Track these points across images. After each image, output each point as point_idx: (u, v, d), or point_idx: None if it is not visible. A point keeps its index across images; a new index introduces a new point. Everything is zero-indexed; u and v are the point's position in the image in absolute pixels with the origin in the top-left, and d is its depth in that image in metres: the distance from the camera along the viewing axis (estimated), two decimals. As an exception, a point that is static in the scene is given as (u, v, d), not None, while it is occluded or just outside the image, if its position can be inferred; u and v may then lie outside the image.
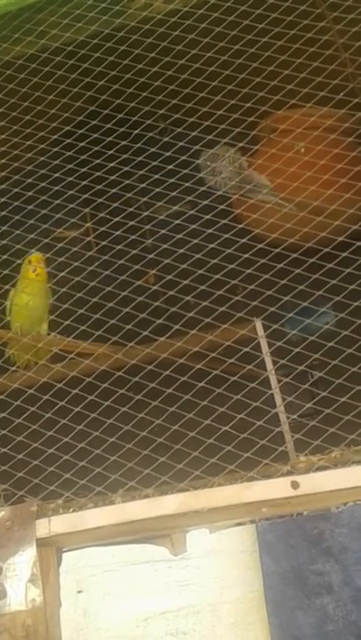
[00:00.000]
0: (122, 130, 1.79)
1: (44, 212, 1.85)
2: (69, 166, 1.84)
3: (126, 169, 1.79)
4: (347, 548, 3.00)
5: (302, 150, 1.88)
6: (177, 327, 1.68)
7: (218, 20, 1.72)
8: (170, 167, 1.75)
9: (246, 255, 1.67)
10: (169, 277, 1.79)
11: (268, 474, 1.38)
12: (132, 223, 1.83)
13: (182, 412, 1.59)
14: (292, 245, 1.76)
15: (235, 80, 1.70)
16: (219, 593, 3.22)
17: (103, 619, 3.30)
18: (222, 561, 3.23)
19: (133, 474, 1.52)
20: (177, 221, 1.78)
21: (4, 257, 1.86)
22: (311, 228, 1.74)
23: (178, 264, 1.75)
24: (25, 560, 1.43)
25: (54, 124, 1.87)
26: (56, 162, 1.85)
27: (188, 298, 1.68)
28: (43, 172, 1.86)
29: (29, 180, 1.86)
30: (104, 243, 1.89)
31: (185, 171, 1.77)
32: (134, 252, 1.79)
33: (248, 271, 1.66)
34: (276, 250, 1.70)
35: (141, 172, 1.82)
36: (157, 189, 1.84)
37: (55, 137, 1.92)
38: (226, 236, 1.76)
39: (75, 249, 1.93)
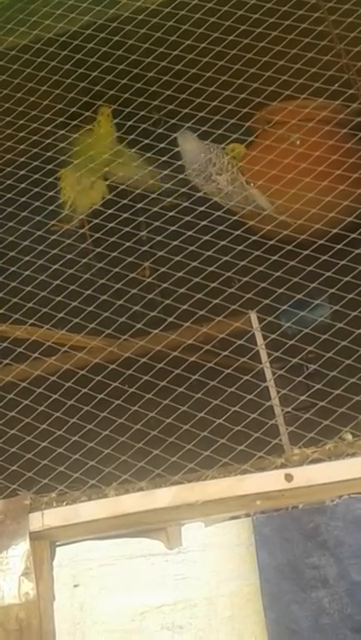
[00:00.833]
0: (116, 121, 1.78)
1: (37, 204, 1.84)
2: (63, 158, 1.83)
3: (120, 161, 1.78)
4: (342, 541, 3.00)
5: (298, 142, 1.87)
6: (171, 320, 1.67)
7: (212, 10, 1.71)
8: (164, 159, 1.74)
9: (241, 247, 1.67)
10: (163, 270, 1.78)
11: (262, 466, 1.38)
12: (125, 215, 1.82)
13: (176, 404, 1.58)
14: (287, 237, 1.75)
15: (229, 71, 1.69)
16: (215, 587, 3.22)
17: (99, 613, 3.30)
18: (218, 555, 3.23)
19: (127, 467, 1.51)
20: (171, 213, 1.77)
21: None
22: (306, 220, 1.73)
23: (172, 256, 1.74)
24: (18, 554, 1.42)
25: (48, 115, 1.86)
26: (49, 153, 1.84)
27: (183, 290, 1.68)
28: (36, 163, 1.85)
29: (23, 172, 1.85)
30: (98, 235, 1.88)
31: (179, 162, 1.76)
32: (128, 244, 1.78)
33: (242, 263, 1.65)
34: (271, 242, 1.70)
35: (136, 164, 1.81)
36: (152, 181, 1.83)
37: (49, 128, 1.91)
38: (220, 227, 1.75)
39: (69, 241, 1.92)
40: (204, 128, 1.78)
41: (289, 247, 1.62)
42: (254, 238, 1.70)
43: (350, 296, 1.55)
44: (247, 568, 3.16)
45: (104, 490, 1.45)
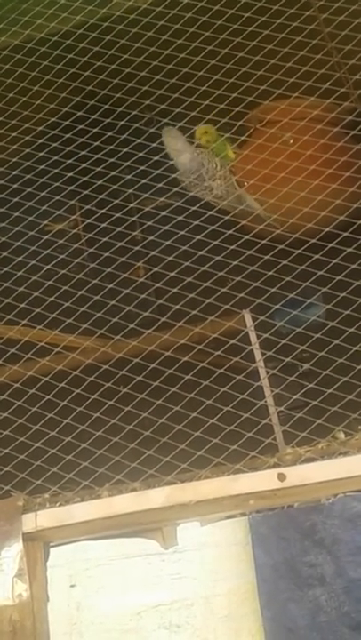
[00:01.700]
0: (108, 121, 1.78)
1: (30, 204, 1.83)
2: (56, 158, 1.82)
3: (113, 160, 1.77)
4: (339, 539, 3.00)
5: (291, 141, 1.86)
6: (165, 319, 1.67)
7: (203, 9, 1.71)
8: (156, 158, 1.74)
9: (233, 246, 1.66)
10: (157, 269, 1.77)
11: (254, 466, 1.38)
12: (119, 215, 1.82)
13: (170, 404, 1.58)
14: (280, 237, 1.75)
15: (221, 70, 1.68)
16: (212, 586, 3.22)
17: (96, 612, 3.30)
18: (215, 554, 3.23)
19: (121, 467, 1.51)
20: (164, 213, 1.76)
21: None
22: (298, 218, 1.73)
23: (166, 256, 1.74)
24: (11, 555, 1.42)
25: (40, 116, 1.85)
26: (42, 153, 1.84)
27: (176, 290, 1.67)
28: (29, 163, 1.85)
29: (15, 172, 1.85)
30: (92, 235, 1.87)
31: (172, 161, 1.76)
32: (122, 243, 1.78)
33: (235, 262, 1.65)
34: (264, 241, 1.69)
35: (128, 164, 1.81)
36: (145, 181, 1.82)
37: (41, 128, 1.90)
38: (213, 227, 1.75)
39: (62, 241, 1.92)
40: (196, 128, 1.77)
41: (282, 246, 1.62)
42: (247, 237, 1.69)
43: (343, 295, 1.55)
44: (244, 567, 3.16)
45: (97, 490, 1.45)
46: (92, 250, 1.85)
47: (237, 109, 1.70)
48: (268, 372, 1.75)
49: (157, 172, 1.76)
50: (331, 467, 1.33)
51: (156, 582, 3.26)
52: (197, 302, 1.65)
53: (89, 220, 1.85)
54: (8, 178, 1.86)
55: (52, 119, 1.89)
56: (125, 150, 1.77)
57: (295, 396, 1.56)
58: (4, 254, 1.84)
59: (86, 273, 1.83)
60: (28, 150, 1.87)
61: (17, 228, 1.86)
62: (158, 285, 1.75)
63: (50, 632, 1.49)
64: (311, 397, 1.50)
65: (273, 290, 1.60)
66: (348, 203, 1.75)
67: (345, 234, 1.63)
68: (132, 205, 1.90)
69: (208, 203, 1.83)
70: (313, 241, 1.62)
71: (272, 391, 1.68)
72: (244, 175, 1.95)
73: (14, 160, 1.88)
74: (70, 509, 1.44)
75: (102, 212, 1.80)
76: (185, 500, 1.38)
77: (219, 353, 1.59)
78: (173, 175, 1.76)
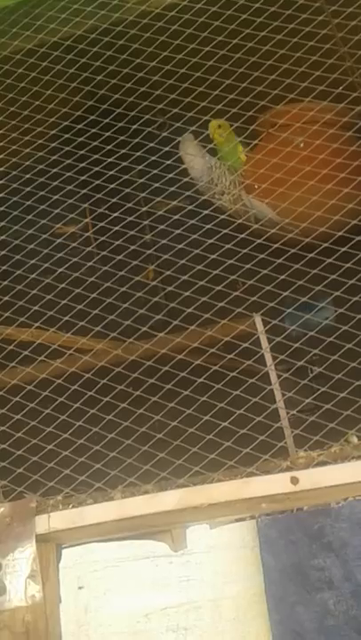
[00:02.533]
0: (120, 125, 1.79)
1: (42, 207, 1.84)
2: (68, 161, 1.83)
3: (125, 164, 1.78)
4: (347, 543, 3.00)
5: (301, 145, 1.87)
6: (176, 323, 1.68)
7: (216, 13, 1.71)
8: (168, 162, 1.75)
9: (245, 250, 1.67)
10: (168, 273, 1.78)
11: (267, 469, 1.38)
12: (130, 219, 1.83)
13: (182, 407, 1.58)
14: (292, 240, 1.75)
15: (233, 74, 1.69)
16: (219, 588, 3.22)
17: (104, 614, 3.30)
18: (223, 556, 3.24)
19: (133, 470, 1.51)
20: (176, 217, 1.77)
21: (3, 252, 1.86)
22: (311, 222, 1.73)
23: (177, 259, 1.75)
24: (25, 556, 1.43)
25: (52, 119, 1.86)
26: (54, 157, 1.85)
27: (188, 293, 1.68)
28: (41, 167, 1.86)
29: (28, 176, 1.86)
30: (103, 238, 1.88)
31: (184, 165, 1.77)
32: (133, 247, 1.79)
33: (247, 266, 1.65)
34: (276, 245, 1.70)
35: (140, 167, 1.82)
36: (156, 184, 1.83)
37: (53, 132, 1.92)
38: (225, 231, 1.75)
39: (74, 244, 1.93)
40: (208, 132, 1.78)
41: (294, 250, 1.62)
42: (259, 241, 1.70)
43: (355, 299, 1.55)
44: (252, 570, 3.16)
45: (110, 493, 1.46)
46: (104, 253, 1.86)
47: (250, 113, 1.71)
48: (279, 376, 1.76)
49: (169, 175, 1.77)
50: (344, 470, 1.33)
51: (163, 585, 3.26)
52: (209, 305, 1.66)
53: (101, 224, 1.86)
54: (21, 181, 1.87)
55: (65, 123, 1.90)
56: (137, 154, 1.78)
57: (307, 400, 1.57)
58: (17, 257, 1.85)
59: (98, 276, 1.83)
60: (40, 154, 1.88)
61: (29, 231, 1.87)
62: (170, 289, 1.76)
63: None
64: (323, 401, 1.50)
65: (285, 294, 1.61)
66: (360, 207, 1.76)
67: (357, 238, 1.64)
68: (144, 209, 1.91)
69: (219, 207, 1.83)
70: (325, 245, 1.63)
71: (283, 394, 1.69)
72: (255, 179, 1.95)
73: (27, 163, 1.88)
74: (83, 511, 1.45)
75: (114, 215, 1.81)
76: (197, 503, 1.39)
77: (231, 356, 1.60)
78: (185, 179, 1.76)
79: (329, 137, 1.79)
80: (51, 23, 1.83)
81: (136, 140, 1.78)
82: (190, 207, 1.84)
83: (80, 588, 3.31)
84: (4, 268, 1.84)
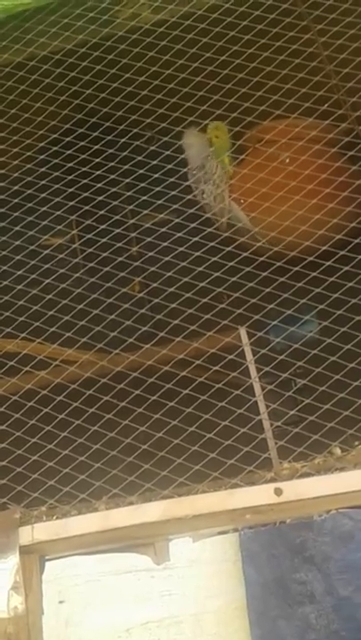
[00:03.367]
0: (109, 138, 1.80)
1: (30, 218, 1.85)
2: (56, 174, 1.84)
3: (113, 177, 1.80)
4: (329, 556, 3.01)
5: (287, 160, 1.89)
6: (162, 335, 1.68)
7: (204, 30, 1.74)
8: (156, 176, 1.76)
9: (231, 263, 1.68)
10: (154, 285, 1.79)
11: (251, 481, 1.39)
12: (118, 231, 1.84)
13: (167, 419, 1.59)
14: (277, 254, 1.77)
15: (221, 90, 1.71)
16: (201, 603, 3.21)
17: (85, 629, 3.27)
18: (205, 570, 3.23)
19: (117, 481, 1.52)
20: (163, 229, 1.79)
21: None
22: (295, 237, 1.75)
23: (163, 272, 1.76)
24: (7, 567, 1.42)
25: (41, 132, 1.88)
26: (43, 169, 1.86)
27: (174, 305, 1.69)
28: (29, 179, 1.87)
29: (15, 188, 1.87)
30: (90, 250, 1.89)
31: (171, 179, 1.78)
32: (120, 259, 1.80)
33: (233, 279, 1.67)
34: (261, 258, 1.72)
35: (128, 180, 1.83)
36: (144, 197, 1.85)
37: (42, 144, 1.93)
38: (211, 244, 1.77)
39: (61, 256, 1.93)
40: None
41: (279, 264, 1.64)
42: (245, 255, 1.72)
43: (339, 312, 1.57)
44: (234, 584, 3.16)
45: (94, 504, 1.46)
46: (91, 264, 1.86)
47: (237, 129, 1.73)
48: (263, 388, 1.77)
49: (157, 189, 1.79)
50: (327, 482, 1.35)
51: (145, 599, 3.25)
52: (194, 318, 1.67)
53: (88, 236, 1.87)
54: (8, 193, 1.87)
55: (54, 135, 1.92)
56: (125, 167, 1.80)
57: (291, 412, 1.58)
58: (4, 268, 1.86)
59: (84, 288, 1.84)
60: (28, 166, 1.89)
61: (16, 243, 1.88)
62: (156, 301, 1.77)
63: (43, 646, 1.49)
64: (307, 413, 1.51)
65: (270, 307, 1.62)
66: (344, 222, 1.78)
67: (342, 252, 1.66)
68: (131, 222, 1.93)
69: (206, 220, 1.85)
70: (310, 259, 1.65)
71: (268, 406, 1.70)
72: (242, 193, 1.98)
73: (15, 175, 1.89)
74: (67, 522, 1.45)
75: (101, 227, 1.82)
76: (182, 514, 1.39)
77: (217, 368, 1.61)
78: (172, 192, 1.78)
79: (314, 153, 1.82)
80: (41, 37, 1.84)
81: (124, 154, 1.80)
82: (177, 220, 1.86)
83: (61, 602, 3.29)
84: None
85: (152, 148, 1.86)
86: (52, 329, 1.74)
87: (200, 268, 1.71)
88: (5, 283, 1.84)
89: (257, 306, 1.65)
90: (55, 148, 1.89)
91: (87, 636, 3.26)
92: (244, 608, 3.09)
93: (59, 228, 1.97)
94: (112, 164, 1.80)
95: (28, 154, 1.86)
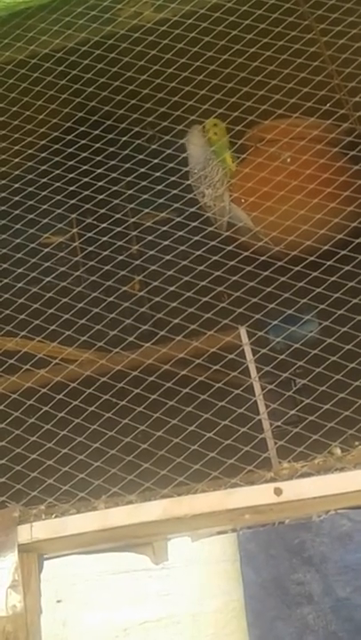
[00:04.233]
0: (110, 137, 1.80)
1: (30, 216, 1.85)
2: (57, 172, 1.84)
3: (114, 175, 1.80)
4: (327, 557, 3.01)
5: (288, 160, 1.89)
6: (162, 334, 1.68)
7: (207, 29, 1.74)
8: (157, 174, 1.76)
9: (232, 263, 1.68)
10: (155, 284, 1.79)
11: (251, 480, 1.39)
12: (118, 229, 1.84)
13: (166, 418, 1.59)
14: (278, 254, 1.77)
15: (223, 89, 1.71)
16: (199, 603, 3.21)
17: (83, 628, 3.27)
18: (203, 570, 3.23)
19: (117, 480, 1.51)
20: (164, 228, 1.78)
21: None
22: (297, 236, 1.75)
23: (164, 271, 1.76)
24: (6, 566, 1.42)
25: (42, 130, 1.88)
26: (43, 167, 1.86)
27: (174, 304, 1.69)
28: (30, 177, 1.87)
29: (16, 185, 1.86)
30: (90, 249, 1.89)
31: (172, 178, 1.78)
32: (120, 258, 1.80)
33: (234, 278, 1.67)
34: (262, 258, 1.72)
35: (129, 179, 1.83)
36: (145, 196, 1.85)
37: (43, 142, 1.93)
38: (212, 243, 1.77)
39: (61, 254, 1.93)
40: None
41: (280, 263, 1.64)
42: (245, 254, 1.72)
43: (340, 312, 1.57)
44: (232, 584, 3.16)
45: (93, 503, 1.46)
46: (92, 263, 1.86)
47: (238, 128, 1.73)
48: (263, 388, 1.77)
49: (158, 187, 1.79)
50: (327, 482, 1.35)
51: (142, 598, 3.25)
52: (194, 317, 1.67)
53: (88, 234, 1.87)
54: (9, 190, 1.87)
55: (55, 133, 1.91)
56: (126, 166, 1.79)
57: (291, 412, 1.58)
58: (4, 266, 1.86)
59: (84, 286, 1.84)
60: (29, 164, 1.89)
61: (17, 241, 1.88)
62: (156, 299, 1.77)
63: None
64: (307, 413, 1.51)
65: (270, 306, 1.62)
66: (345, 221, 1.78)
67: (343, 252, 1.66)
68: (131, 221, 1.93)
69: (207, 219, 1.85)
70: (311, 258, 1.65)
71: (267, 406, 1.70)
72: (243, 192, 1.98)
73: (16, 173, 1.89)
74: (66, 521, 1.44)
75: (101, 226, 1.81)
76: (181, 514, 1.39)
77: (217, 367, 1.60)
78: (173, 191, 1.78)
79: (316, 153, 1.82)
80: (43, 35, 1.84)
81: (125, 152, 1.79)
82: (178, 219, 1.86)
83: (58, 601, 3.28)
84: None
85: (153, 146, 1.86)
86: (52, 327, 1.73)
87: (200, 267, 1.71)
88: (5, 281, 1.84)
89: (257, 305, 1.65)
90: (56, 146, 1.88)
91: (85, 636, 3.26)
92: (241, 608, 3.09)
93: (59, 226, 1.98)
94: (113, 162, 1.80)
95: (29, 152, 1.86)
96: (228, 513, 1.40)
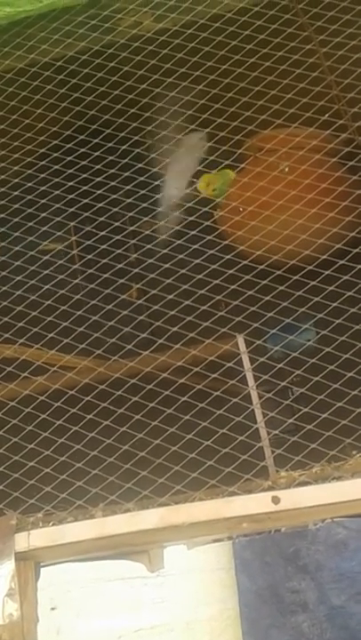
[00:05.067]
0: (109, 145, 1.81)
1: (29, 224, 1.86)
2: (56, 180, 1.85)
3: (113, 184, 1.80)
4: (323, 565, 3.00)
5: (286, 170, 1.91)
6: (160, 342, 1.69)
7: (206, 39, 1.75)
8: (156, 183, 1.77)
9: (231, 271, 1.69)
10: (153, 292, 1.80)
11: (248, 489, 1.39)
12: (117, 238, 1.84)
13: (164, 426, 1.59)
14: (276, 263, 1.78)
15: (222, 99, 1.72)
16: (194, 611, 3.20)
17: (77, 636, 3.26)
18: (198, 578, 3.22)
19: (114, 488, 1.51)
20: (162, 237, 1.79)
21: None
22: (295, 246, 1.76)
23: (162, 279, 1.76)
24: (3, 574, 1.41)
25: (41, 138, 1.88)
26: (42, 175, 1.86)
27: (172, 313, 1.70)
28: (29, 184, 1.87)
29: (15, 193, 1.87)
30: (89, 257, 1.89)
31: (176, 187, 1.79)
32: (119, 266, 1.80)
33: (232, 287, 1.68)
34: (261, 267, 1.73)
35: (127, 188, 1.84)
36: (143, 205, 1.85)
37: (42, 150, 1.93)
38: (211, 252, 1.78)
39: (59, 262, 1.94)
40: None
41: (278, 272, 1.65)
42: (244, 263, 1.72)
43: (337, 321, 1.57)
44: (227, 592, 3.15)
45: (91, 511, 1.46)
46: (90, 271, 1.87)
47: (237, 138, 1.74)
48: (261, 396, 1.77)
49: (156, 196, 1.79)
50: (324, 491, 1.35)
51: (137, 606, 3.24)
52: (192, 325, 1.68)
53: (87, 242, 1.88)
54: (9, 198, 1.88)
55: (54, 142, 1.92)
56: (125, 174, 1.80)
57: (289, 421, 1.58)
58: (3, 273, 1.86)
59: (83, 294, 1.84)
60: (28, 171, 1.90)
61: (16, 248, 1.88)
62: (154, 308, 1.78)
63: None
64: (304, 422, 1.52)
65: (268, 315, 1.63)
66: (343, 231, 1.79)
67: (341, 262, 1.67)
68: (130, 229, 1.93)
69: (206, 227, 1.85)
70: (309, 268, 1.66)
71: (265, 415, 1.70)
72: (241, 202, 1.98)
73: (15, 181, 1.90)
74: (63, 529, 1.44)
75: (100, 234, 1.82)
76: (178, 522, 1.39)
77: (215, 376, 1.61)
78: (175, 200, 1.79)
79: (314, 163, 1.83)
80: (43, 44, 1.85)
81: (125, 161, 1.80)
82: (177, 228, 1.86)
83: (53, 608, 3.27)
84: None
85: (152, 155, 1.87)
86: (51, 335, 1.74)
87: (199, 276, 1.72)
88: (4, 288, 1.84)
89: (255, 314, 1.65)
90: (55, 155, 1.89)
91: (79, 644, 3.25)
92: (236, 616, 3.08)
93: (58, 234, 1.98)
94: (112, 170, 1.80)
95: (29, 160, 1.86)
96: (225, 521, 1.39)
